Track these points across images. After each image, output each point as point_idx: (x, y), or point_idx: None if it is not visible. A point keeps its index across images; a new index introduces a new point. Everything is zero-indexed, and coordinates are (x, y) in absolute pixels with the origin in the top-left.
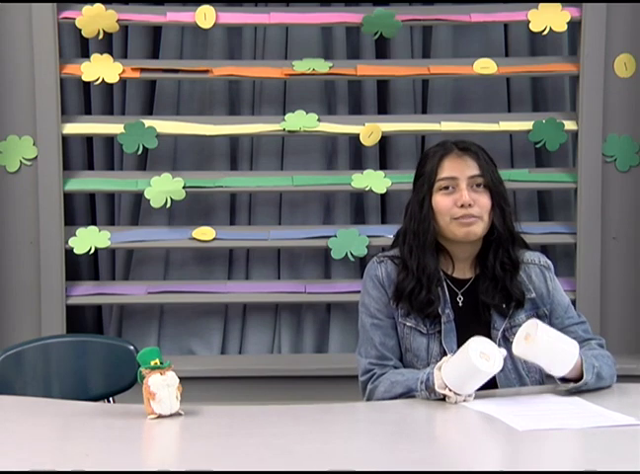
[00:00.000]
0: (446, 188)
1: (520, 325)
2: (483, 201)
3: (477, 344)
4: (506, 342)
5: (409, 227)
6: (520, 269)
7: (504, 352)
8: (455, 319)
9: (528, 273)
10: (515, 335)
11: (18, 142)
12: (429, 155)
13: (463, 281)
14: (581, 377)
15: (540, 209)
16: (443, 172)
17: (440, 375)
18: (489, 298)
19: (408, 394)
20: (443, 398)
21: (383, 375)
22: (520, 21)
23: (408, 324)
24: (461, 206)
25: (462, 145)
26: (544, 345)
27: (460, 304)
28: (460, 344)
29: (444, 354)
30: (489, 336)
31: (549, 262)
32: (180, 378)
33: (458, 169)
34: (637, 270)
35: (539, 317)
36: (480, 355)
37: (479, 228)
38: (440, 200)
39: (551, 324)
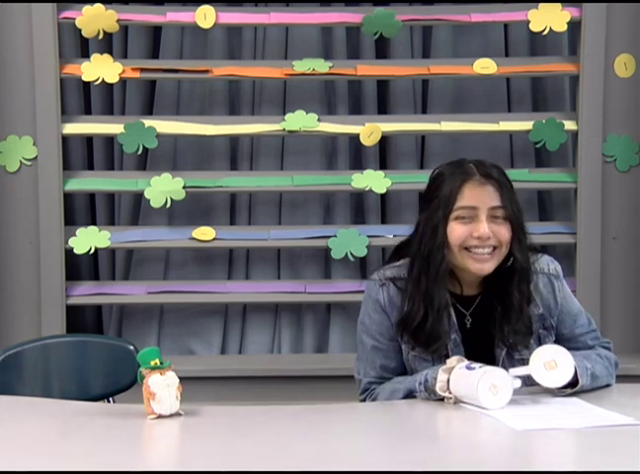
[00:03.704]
0: (464, 217)
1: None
2: (503, 233)
3: (490, 375)
4: (510, 359)
5: (419, 252)
6: (531, 302)
7: (517, 384)
8: (463, 340)
9: (536, 283)
10: (519, 352)
11: (18, 142)
12: (445, 176)
13: (470, 299)
14: (576, 382)
15: (540, 209)
16: (464, 200)
17: (446, 378)
18: (501, 331)
19: (409, 396)
20: (442, 398)
21: (381, 385)
22: (520, 21)
23: (412, 353)
24: (478, 238)
25: (484, 171)
26: (570, 371)
27: (468, 325)
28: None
29: None
30: (493, 353)
31: (559, 269)
32: (180, 378)
33: (480, 199)
34: (637, 270)
35: (546, 328)
36: (489, 388)
37: (493, 264)
38: (457, 229)
39: (559, 334)
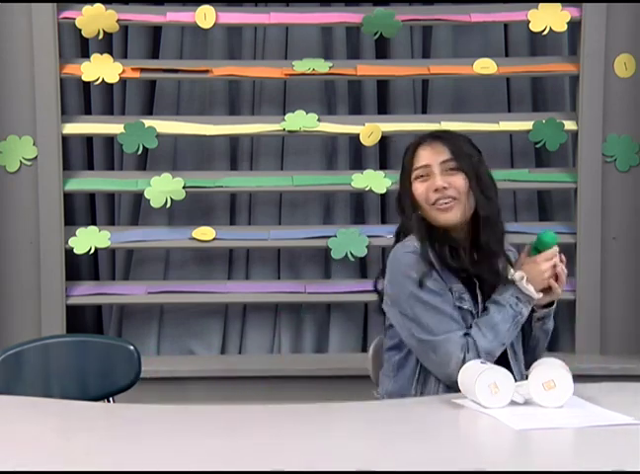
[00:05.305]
0: (422, 176)
1: None
2: (458, 183)
3: (493, 373)
4: None
5: (404, 221)
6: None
7: (520, 400)
8: (483, 300)
9: (507, 256)
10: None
11: (18, 142)
12: (407, 149)
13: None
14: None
15: (540, 209)
16: (418, 161)
17: (527, 285)
18: (491, 275)
19: (513, 324)
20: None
21: (470, 338)
22: (520, 21)
23: (465, 307)
24: (435, 191)
25: (435, 133)
26: (569, 389)
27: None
28: None
29: None
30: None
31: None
32: (180, 378)
33: (430, 156)
34: (637, 270)
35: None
36: (489, 386)
37: (457, 212)
38: (418, 187)
39: None
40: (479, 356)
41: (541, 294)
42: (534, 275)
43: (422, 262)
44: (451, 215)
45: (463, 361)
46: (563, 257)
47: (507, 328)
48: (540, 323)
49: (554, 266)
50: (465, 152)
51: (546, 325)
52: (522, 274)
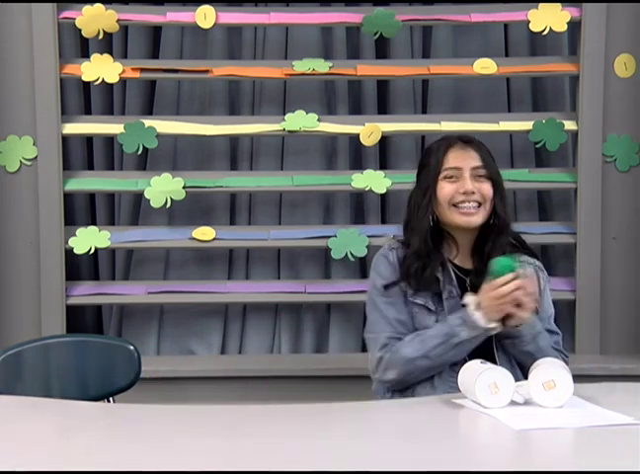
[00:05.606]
0: (451, 177)
1: None
2: (486, 190)
3: (493, 373)
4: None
5: (412, 215)
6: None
7: (520, 400)
8: (460, 295)
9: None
10: None
11: (18, 142)
12: (433, 148)
13: (467, 271)
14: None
15: (540, 209)
16: (448, 163)
17: (475, 300)
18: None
19: (445, 343)
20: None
21: (399, 342)
22: (520, 21)
23: (418, 302)
24: (463, 194)
25: (466, 138)
26: (569, 389)
27: (469, 289)
28: None
29: None
30: None
31: (543, 267)
32: (180, 378)
33: (462, 160)
34: (637, 270)
35: None
36: (489, 386)
37: (479, 218)
38: (445, 187)
39: None
40: (398, 361)
41: (494, 323)
42: (487, 303)
43: (385, 263)
44: (474, 219)
45: (380, 361)
46: (530, 279)
47: (435, 343)
48: (509, 342)
49: (511, 292)
50: (491, 161)
51: (519, 347)
52: (475, 299)
